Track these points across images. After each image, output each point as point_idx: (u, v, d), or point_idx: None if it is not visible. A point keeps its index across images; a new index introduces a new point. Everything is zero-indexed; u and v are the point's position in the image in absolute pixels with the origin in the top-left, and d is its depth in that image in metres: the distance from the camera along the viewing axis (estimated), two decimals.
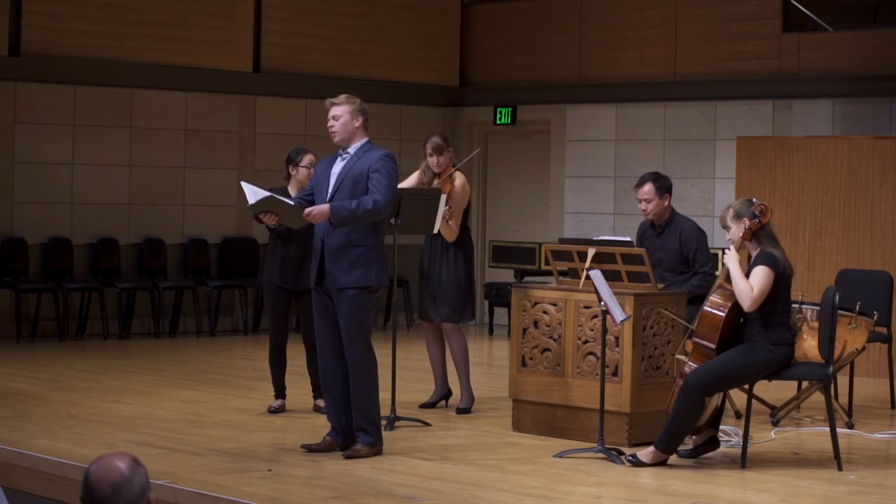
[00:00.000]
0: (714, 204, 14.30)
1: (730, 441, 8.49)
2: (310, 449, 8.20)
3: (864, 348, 9.49)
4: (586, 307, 8.68)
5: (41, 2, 13.97)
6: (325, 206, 7.88)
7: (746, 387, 8.02)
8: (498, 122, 16.32)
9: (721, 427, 8.33)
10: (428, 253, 9.80)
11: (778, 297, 7.81)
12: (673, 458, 7.98)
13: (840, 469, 7.83)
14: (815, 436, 9.09)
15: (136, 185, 14.59)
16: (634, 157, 15.08)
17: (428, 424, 9.21)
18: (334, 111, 8.13)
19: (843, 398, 9.69)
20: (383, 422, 8.45)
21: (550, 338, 8.85)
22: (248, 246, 15.06)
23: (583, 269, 8.68)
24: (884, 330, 10.00)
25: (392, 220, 8.74)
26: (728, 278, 7.89)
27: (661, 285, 8.83)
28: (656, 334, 8.60)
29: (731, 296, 7.85)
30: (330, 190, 8.03)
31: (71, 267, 14.12)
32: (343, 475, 7.57)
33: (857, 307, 9.18)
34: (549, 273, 11.86)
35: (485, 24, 16.62)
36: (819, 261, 12.41)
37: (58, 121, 14.14)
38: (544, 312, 8.90)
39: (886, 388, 10.33)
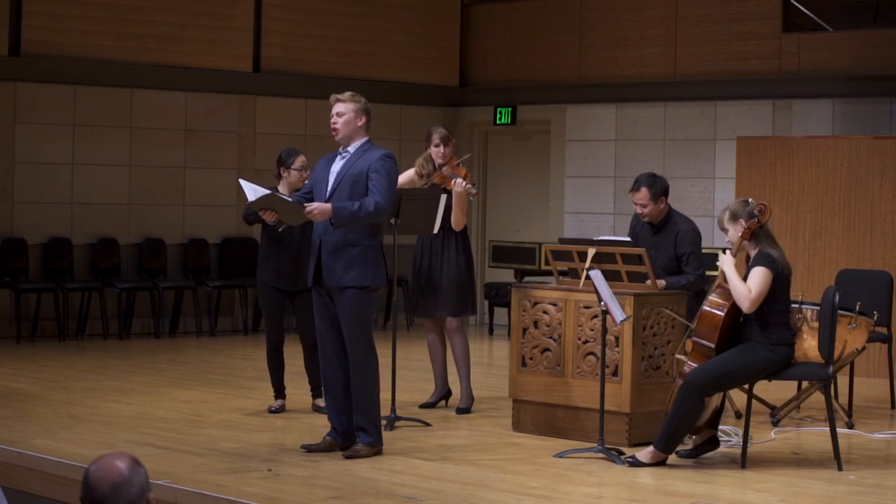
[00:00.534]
0: (714, 204, 14.31)
1: (730, 441, 8.49)
2: (310, 449, 8.19)
3: (864, 348, 9.48)
4: (586, 307, 8.67)
5: (41, 2, 13.98)
6: (327, 206, 7.87)
7: (746, 387, 8.03)
8: (498, 122, 16.33)
9: (721, 427, 8.33)
10: (428, 251, 9.78)
11: (777, 297, 7.80)
12: (673, 458, 7.98)
13: (840, 469, 7.83)
14: (815, 436, 9.09)
15: (136, 185, 14.60)
16: (634, 157, 15.08)
17: (428, 424, 9.20)
18: (339, 108, 8.11)
19: (843, 398, 9.69)
20: (383, 422, 8.45)
21: (550, 338, 8.85)
22: (248, 246, 15.05)
23: (583, 269, 8.68)
24: (884, 330, 10.00)
25: (392, 220, 8.74)
26: (727, 279, 7.88)
27: (661, 282, 8.84)
28: (656, 334, 8.60)
29: (730, 295, 7.85)
30: (329, 189, 8.02)
31: (71, 267, 14.12)
32: (343, 475, 7.56)
33: (857, 307, 9.18)
34: (549, 273, 11.87)
35: (485, 24, 16.62)
36: (819, 261, 12.41)
37: (58, 121, 14.14)
38: (544, 312, 8.90)
39: (886, 388, 10.33)
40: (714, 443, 8.17)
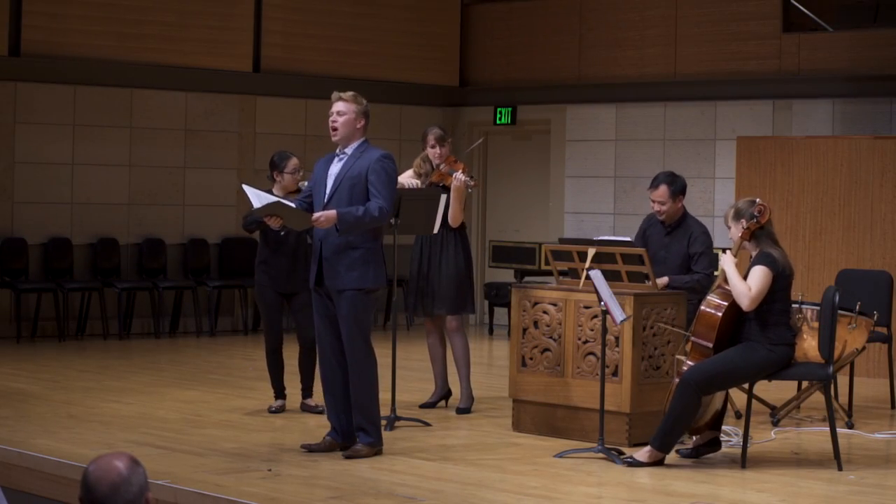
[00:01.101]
0: (714, 204, 14.31)
1: (730, 441, 8.49)
2: (310, 449, 8.19)
3: (864, 348, 9.49)
4: (586, 307, 8.67)
5: (41, 2, 13.97)
6: (333, 213, 7.85)
7: (746, 387, 8.03)
8: (498, 122, 16.33)
9: (721, 427, 8.32)
10: (427, 250, 9.77)
11: (777, 296, 7.80)
12: (673, 458, 7.98)
13: (840, 469, 7.83)
14: (815, 436, 9.09)
15: (136, 185, 14.60)
16: (634, 157, 15.09)
17: (428, 424, 9.20)
18: (340, 106, 8.07)
19: (843, 398, 9.68)
20: (383, 422, 8.45)
21: (550, 338, 8.85)
22: (248, 246, 15.02)
23: (583, 269, 8.68)
24: (884, 330, 10.00)
25: (392, 221, 8.74)
26: (727, 280, 7.89)
27: (663, 279, 8.85)
28: (656, 334, 8.60)
29: (728, 295, 7.86)
30: (327, 192, 8.00)
31: (71, 267, 14.12)
32: (343, 475, 7.56)
33: (857, 307, 9.17)
34: (549, 273, 11.87)
35: (485, 24, 16.62)
36: (819, 261, 12.41)
37: (58, 121, 14.14)
38: (544, 312, 8.90)
39: (886, 388, 10.33)
40: (716, 444, 8.16)
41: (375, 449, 8.08)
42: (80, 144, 14.26)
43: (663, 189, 9.25)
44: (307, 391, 9.73)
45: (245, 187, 8.12)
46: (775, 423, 9.28)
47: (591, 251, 8.73)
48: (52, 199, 14.12)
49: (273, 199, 8.01)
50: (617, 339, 8.52)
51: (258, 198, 7.94)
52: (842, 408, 9.47)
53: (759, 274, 7.75)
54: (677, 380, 7.88)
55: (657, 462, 7.88)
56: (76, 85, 14.20)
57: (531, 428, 8.97)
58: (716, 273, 8.64)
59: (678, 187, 9.27)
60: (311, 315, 8.41)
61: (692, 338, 7.98)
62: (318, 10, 15.63)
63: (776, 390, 9.60)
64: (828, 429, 8.07)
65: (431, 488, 7.29)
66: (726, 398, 8.30)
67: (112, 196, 14.45)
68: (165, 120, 14.76)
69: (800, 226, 12.56)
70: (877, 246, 12.19)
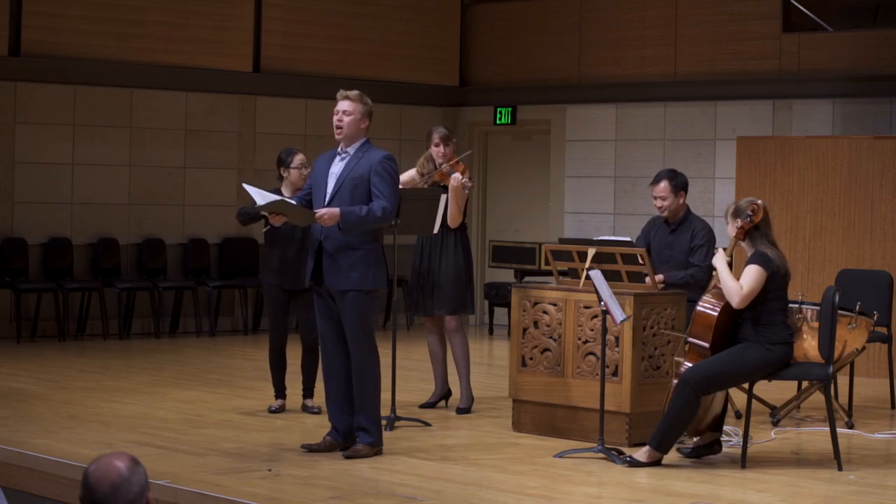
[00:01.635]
0: (714, 204, 14.30)
1: (730, 441, 8.49)
2: (310, 449, 8.19)
3: (864, 348, 9.49)
4: (586, 307, 8.67)
5: (41, 2, 13.97)
6: (336, 211, 7.85)
7: (746, 387, 8.03)
8: (498, 122, 16.32)
9: (722, 429, 8.32)
10: (427, 250, 9.78)
11: (772, 295, 7.80)
12: (673, 458, 7.98)
13: (840, 469, 7.83)
14: (815, 436, 9.09)
15: (136, 185, 14.59)
16: (634, 157, 15.09)
17: (428, 424, 9.20)
18: (346, 105, 8.05)
19: (843, 398, 9.69)
20: (383, 422, 8.45)
21: (550, 338, 8.85)
22: (248, 246, 15.06)
23: (583, 269, 8.68)
24: (884, 330, 10.00)
25: (392, 221, 8.73)
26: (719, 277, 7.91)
27: (661, 276, 8.87)
28: (656, 334, 8.60)
29: (723, 295, 7.86)
30: (329, 192, 7.99)
31: (71, 267, 14.12)
32: (343, 475, 7.56)
33: (857, 307, 9.17)
34: (549, 273, 11.86)
35: (485, 24, 16.62)
36: (819, 261, 12.41)
37: (58, 121, 14.13)
38: (544, 312, 8.90)
39: (886, 388, 10.33)
40: (717, 446, 8.16)
41: (375, 449, 8.08)
42: (80, 144, 14.26)
43: (665, 184, 9.29)
44: (308, 392, 9.73)
45: (246, 186, 8.11)
46: (775, 423, 9.28)
47: (591, 251, 8.73)
48: (52, 199, 14.12)
49: (276, 197, 8.00)
50: (617, 339, 8.52)
51: (261, 196, 7.93)
52: (842, 408, 9.47)
53: (751, 273, 7.76)
54: (675, 381, 7.88)
55: (656, 462, 7.88)
56: (76, 85, 14.19)
57: (531, 428, 8.97)
58: (714, 273, 8.63)
59: (679, 182, 9.32)
60: (314, 315, 8.40)
61: (689, 339, 7.98)
62: (318, 10, 15.63)
63: (776, 390, 9.60)
64: (828, 429, 8.07)
65: (431, 488, 7.29)
66: (726, 401, 8.30)
67: (112, 196, 14.45)
68: (165, 120, 14.75)
69: (800, 226, 12.56)
70: (877, 246, 12.19)
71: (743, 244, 7.95)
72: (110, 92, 14.39)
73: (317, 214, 7.87)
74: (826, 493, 7.40)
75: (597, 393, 8.31)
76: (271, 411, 9.69)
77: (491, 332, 15.59)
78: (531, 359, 8.96)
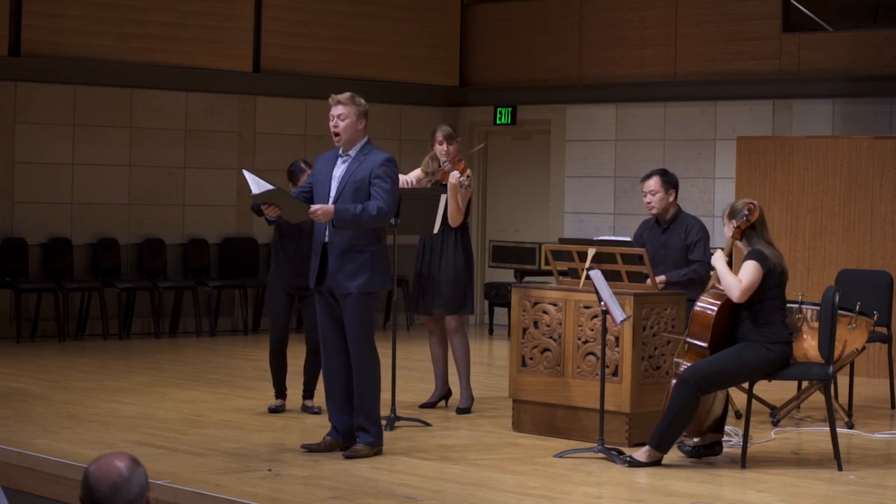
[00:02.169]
0: (714, 204, 14.30)
1: (730, 441, 8.49)
2: (310, 449, 8.19)
3: (864, 348, 9.49)
4: (586, 307, 8.68)
5: (41, 2, 13.97)
6: (330, 207, 7.88)
7: (746, 386, 8.03)
8: (498, 122, 16.32)
9: (723, 430, 8.32)
10: (429, 249, 9.78)
11: (769, 294, 7.80)
12: (673, 458, 7.98)
13: (840, 469, 7.83)
14: (815, 436, 9.09)
15: (136, 185, 14.59)
16: (634, 157, 15.08)
17: (428, 424, 9.20)
18: (339, 110, 8.06)
19: (843, 398, 9.69)
20: (383, 422, 8.45)
21: (550, 338, 8.85)
22: (248, 246, 15.06)
23: (583, 269, 8.69)
24: (884, 330, 10.00)
25: (392, 221, 8.73)
26: (720, 279, 7.91)
27: (662, 277, 8.87)
28: (656, 334, 8.60)
29: (721, 295, 7.88)
30: (332, 195, 8.00)
31: (71, 267, 14.12)
32: (343, 475, 7.57)
33: (857, 307, 9.18)
34: (549, 273, 11.87)
35: (485, 24, 16.62)
36: (819, 261, 12.41)
37: (58, 121, 14.13)
38: (544, 312, 8.90)
39: (886, 388, 10.33)
40: (717, 447, 8.16)
41: (375, 449, 8.08)
42: (80, 144, 14.25)
43: (655, 179, 9.33)
44: (308, 392, 9.72)
45: (245, 172, 8.07)
46: (775, 423, 9.28)
47: (591, 251, 8.73)
48: (52, 199, 14.12)
49: (271, 186, 7.95)
50: (617, 339, 8.52)
51: (257, 184, 7.89)
52: (842, 408, 9.47)
53: (748, 267, 7.79)
54: (675, 381, 7.88)
55: (656, 462, 7.88)
56: (76, 85, 14.19)
57: (531, 428, 8.97)
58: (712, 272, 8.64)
59: (670, 180, 9.35)
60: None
61: (687, 339, 7.98)
62: (318, 10, 15.63)
63: (776, 390, 9.60)
64: (828, 429, 8.07)
65: (431, 488, 7.29)
66: (726, 402, 8.30)
67: (112, 196, 14.44)
68: (165, 120, 14.75)
69: (800, 226, 12.56)
70: (877, 246, 12.19)
71: (739, 244, 7.96)
72: (110, 92, 14.39)
73: (310, 210, 7.88)
74: (826, 493, 7.40)
75: (597, 393, 8.31)
76: (271, 411, 9.69)
77: (491, 332, 15.59)
78: (531, 359, 8.97)
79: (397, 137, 15.83)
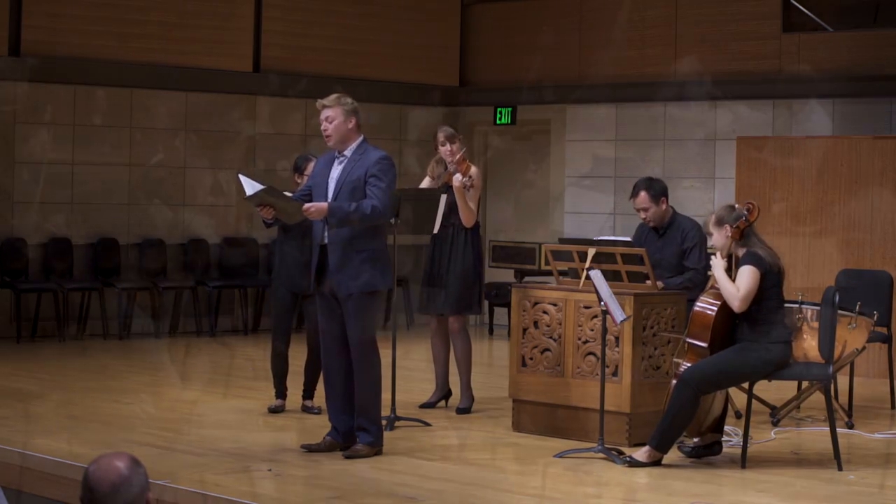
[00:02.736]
0: (714, 204, 14.28)
1: (730, 441, 8.49)
2: (310, 449, 8.19)
3: (864, 348, 9.48)
4: (586, 307, 8.68)
5: (41, 2, 13.97)
6: (324, 205, 7.91)
7: (746, 386, 8.03)
8: (498, 122, 16.32)
9: (723, 430, 8.32)
10: (440, 249, 9.77)
11: (767, 294, 7.80)
12: (673, 458, 7.98)
13: (840, 469, 7.83)
14: (815, 436, 9.09)
15: (136, 185, 14.59)
16: (634, 157, 15.08)
17: (428, 424, 9.20)
18: (326, 113, 8.11)
19: (843, 398, 9.68)
20: (383, 422, 8.45)
21: (550, 338, 8.85)
22: (248, 246, 15.06)
23: (583, 269, 8.69)
24: (884, 330, 10.00)
25: (392, 221, 8.74)
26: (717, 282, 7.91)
27: (661, 283, 8.86)
28: (656, 334, 8.60)
29: (720, 295, 7.87)
30: (330, 195, 8.02)
31: (71, 267, 14.11)
32: (343, 475, 7.56)
33: (857, 307, 9.18)
34: (549, 273, 11.86)
35: (485, 24, 16.62)
36: (819, 261, 12.41)
37: (58, 121, 14.13)
38: (544, 312, 8.90)
39: (886, 388, 10.33)
40: (717, 447, 8.16)
41: (375, 449, 8.09)
42: (80, 144, 14.25)
43: (643, 195, 9.34)
44: (308, 393, 9.72)
45: (240, 176, 8.09)
46: (775, 423, 9.28)
47: (591, 251, 8.73)
48: (52, 199, 14.12)
49: (263, 186, 7.94)
50: (617, 339, 8.52)
51: (251, 186, 7.91)
52: (842, 408, 9.47)
53: (745, 274, 7.77)
54: (674, 382, 7.88)
55: (656, 462, 7.88)
56: (76, 85, 14.19)
57: (531, 428, 8.97)
58: (709, 273, 8.64)
59: (657, 190, 9.34)
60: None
61: (686, 339, 7.98)
62: (318, 10, 15.63)
63: (776, 390, 9.60)
64: (828, 429, 8.07)
65: (431, 488, 7.29)
66: (726, 403, 8.30)
67: (112, 196, 14.44)
68: (165, 120, 14.75)
69: (800, 226, 12.56)
70: (877, 246, 12.19)
71: (735, 246, 7.94)
72: (110, 92, 14.38)
73: (304, 207, 7.89)
74: (826, 493, 7.40)
75: (597, 393, 8.31)
76: (271, 411, 9.69)
77: (491, 332, 15.59)
78: (531, 359, 8.97)
79: (397, 137, 15.83)
